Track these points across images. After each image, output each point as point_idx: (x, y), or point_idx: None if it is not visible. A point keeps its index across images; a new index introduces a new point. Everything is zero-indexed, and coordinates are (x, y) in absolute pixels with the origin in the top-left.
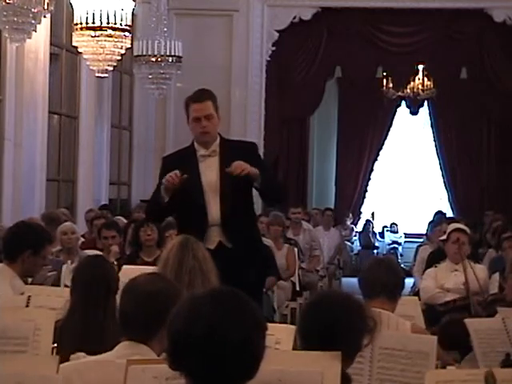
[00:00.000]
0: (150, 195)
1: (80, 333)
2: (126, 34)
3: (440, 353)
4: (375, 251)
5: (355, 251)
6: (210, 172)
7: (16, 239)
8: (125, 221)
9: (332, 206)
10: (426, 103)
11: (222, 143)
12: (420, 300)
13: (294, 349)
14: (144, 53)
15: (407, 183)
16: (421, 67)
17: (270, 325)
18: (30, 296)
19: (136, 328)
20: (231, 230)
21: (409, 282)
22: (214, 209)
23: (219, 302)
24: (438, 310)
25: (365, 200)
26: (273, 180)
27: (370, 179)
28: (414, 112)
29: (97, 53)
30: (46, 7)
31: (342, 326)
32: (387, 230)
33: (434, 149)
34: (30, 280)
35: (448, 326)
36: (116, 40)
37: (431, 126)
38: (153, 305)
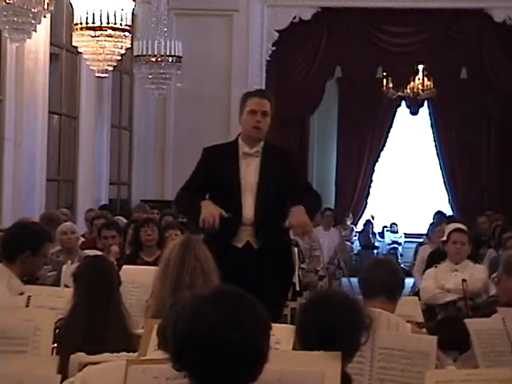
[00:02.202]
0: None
1: (82, 333)
2: (126, 33)
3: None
4: (375, 251)
5: (355, 251)
6: (249, 171)
7: (15, 240)
8: (125, 221)
9: (332, 206)
10: (426, 103)
11: (266, 146)
12: (420, 300)
13: (293, 349)
14: (144, 53)
15: (407, 183)
16: (421, 67)
17: None
18: (29, 296)
19: None
20: (261, 231)
21: (409, 282)
22: (248, 208)
23: (221, 302)
24: (437, 312)
25: (367, 201)
26: (312, 197)
27: (370, 179)
28: (414, 112)
29: (97, 53)
30: (46, 7)
31: (340, 325)
32: (387, 230)
33: (434, 149)
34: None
35: (441, 326)
36: (116, 40)
37: (431, 126)
38: None
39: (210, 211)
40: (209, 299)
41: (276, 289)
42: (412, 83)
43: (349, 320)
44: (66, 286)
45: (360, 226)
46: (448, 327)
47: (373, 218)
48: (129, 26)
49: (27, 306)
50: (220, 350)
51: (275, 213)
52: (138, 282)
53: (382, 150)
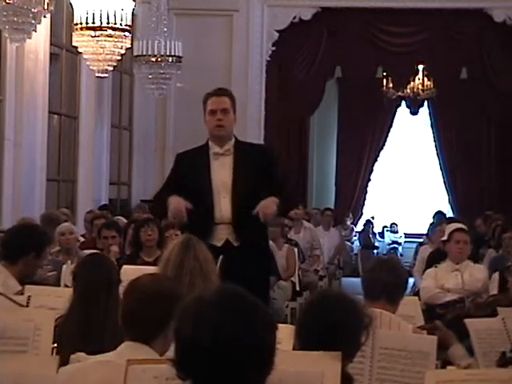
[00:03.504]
0: (153, 193)
1: (81, 331)
2: (126, 33)
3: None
4: (375, 251)
5: (355, 251)
6: (222, 170)
7: (20, 241)
8: (125, 221)
9: (332, 206)
10: (426, 103)
11: (237, 144)
12: (420, 300)
13: (294, 349)
14: (144, 53)
15: (407, 183)
16: (421, 67)
17: None
18: (29, 296)
19: (139, 328)
20: (240, 229)
21: (409, 282)
22: (224, 207)
23: (226, 306)
24: (438, 312)
25: (365, 201)
26: (285, 199)
27: (370, 179)
28: (414, 112)
29: (97, 53)
30: (46, 7)
31: (340, 326)
32: (387, 230)
33: (434, 149)
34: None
35: (452, 323)
36: (116, 40)
37: (431, 126)
38: (157, 304)
39: (176, 204)
40: (211, 302)
41: (259, 285)
42: (412, 83)
43: (348, 320)
44: (66, 285)
45: (360, 226)
46: (458, 324)
47: (373, 218)
48: (129, 25)
49: (27, 305)
50: (227, 354)
51: (252, 209)
52: None
53: (381, 149)
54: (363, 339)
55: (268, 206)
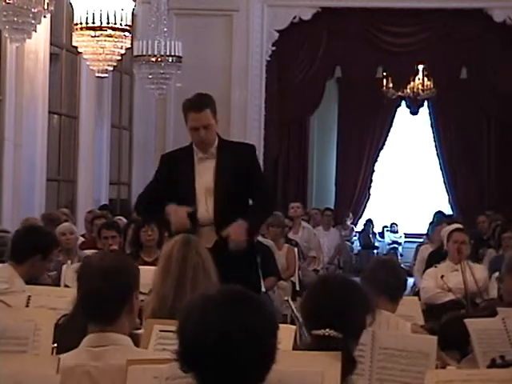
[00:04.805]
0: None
1: (81, 332)
2: (126, 34)
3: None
4: (375, 251)
5: (355, 251)
6: (207, 173)
7: (28, 243)
8: (125, 221)
9: (332, 206)
10: (426, 103)
11: (221, 145)
12: (420, 300)
13: (294, 349)
14: (144, 53)
15: (407, 183)
16: (421, 67)
17: None
18: (30, 296)
19: (102, 308)
20: (222, 230)
21: (409, 282)
22: (210, 209)
23: (230, 305)
24: (437, 312)
25: (367, 201)
26: (259, 208)
27: (370, 179)
28: (414, 112)
29: (97, 53)
30: (46, 7)
31: (348, 303)
32: (387, 230)
33: (434, 149)
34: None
35: (447, 326)
36: (116, 40)
37: (431, 126)
38: (114, 279)
39: (177, 216)
40: (216, 301)
41: (250, 284)
42: (412, 83)
43: (354, 299)
44: (66, 285)
45: (360, 226)
46: (453, 326)
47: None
48: (129, 25)
49: (27, 305)
50: (228, 351)
51: (237, 210)
52: None
53: (381, 149)
54: (368, 321)
55: (238, 233)
